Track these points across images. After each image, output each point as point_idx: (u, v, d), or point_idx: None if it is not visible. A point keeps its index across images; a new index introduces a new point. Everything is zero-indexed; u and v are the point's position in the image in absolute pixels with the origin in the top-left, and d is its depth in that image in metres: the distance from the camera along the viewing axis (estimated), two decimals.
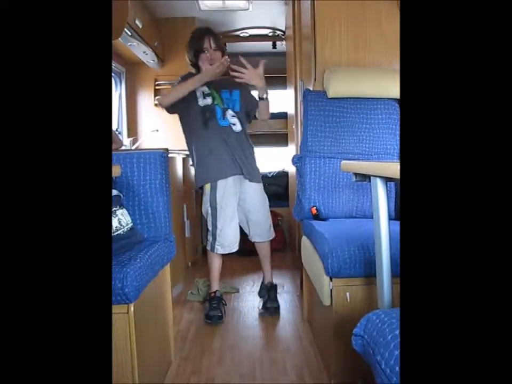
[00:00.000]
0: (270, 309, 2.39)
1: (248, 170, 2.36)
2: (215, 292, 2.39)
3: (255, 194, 2.42)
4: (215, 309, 2.29)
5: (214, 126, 2.30)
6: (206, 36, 2.32)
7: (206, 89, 2.33)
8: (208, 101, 2.32)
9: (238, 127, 2.35)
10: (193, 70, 2.44)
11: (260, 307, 2.48)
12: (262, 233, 2.49)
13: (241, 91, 2.40)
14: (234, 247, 2.41)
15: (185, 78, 2.34)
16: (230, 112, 2.34)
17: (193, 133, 2.36)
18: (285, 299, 2.61)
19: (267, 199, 2.51)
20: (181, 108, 2.33)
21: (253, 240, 2.50)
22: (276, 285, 2.48)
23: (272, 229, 2.52)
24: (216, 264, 2.43)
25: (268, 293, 2.44)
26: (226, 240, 2.36)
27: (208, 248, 2.41)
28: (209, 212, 2.34)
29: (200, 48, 2.30)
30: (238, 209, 2.40)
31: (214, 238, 2.36)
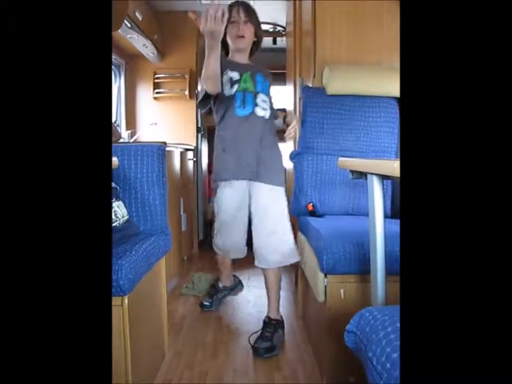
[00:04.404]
0: (257, 350, 1.85)
1: (261, 170, 1.97)
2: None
3: (263, 199, 1.97)
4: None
5: (231, 117, 1.95)
6: (235, 6, 1.96)
7: (235, 75, 1.95)
8: (233, 89, 1.94)
9: (267, 113, 2.00)
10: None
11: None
12: (262, 254, 1.94)
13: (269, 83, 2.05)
14: (234, 255, 2.18)
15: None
16: (261, 97, 1.98)
17: (216, 127, 2.05)
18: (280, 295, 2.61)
19: (282, 209, 1.97)
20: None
21: (255, 264, 2.01)
22: (276, 322, 2.00)
23: (292, 249, 1.95)
24: (220, 259, 2.34)
25: (263, 329, 1.96)
26: (223, 246, 2.15)
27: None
28: (215, 213, 2.11)
29: (228, 19, 1.71)
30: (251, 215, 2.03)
31: (214, 240, 2.17)
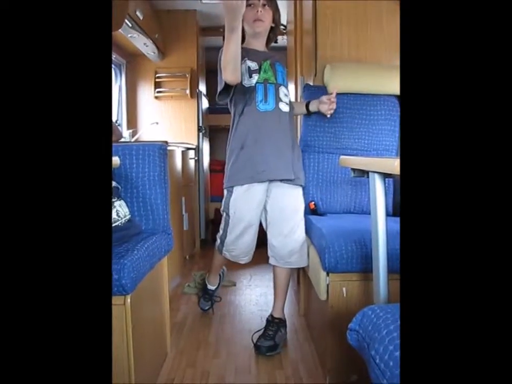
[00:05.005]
0: (260, 348, 1.84)
1: (285, 170, 1.86)
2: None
3: (286, 199, 1.91)
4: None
5: (251, 112, 1.82)
6: None
7: (253, 64, 1.83)
8: (253, 80, 1.82)
9: (289, 108, 1.89)
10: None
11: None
12: (280, 255, 1.91)
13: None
14: (244, 259, 2.00)
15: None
16: (283, 90, 1.88)
17: (233, 122, 1.90)
18: None
19: (301, 210, 1.93)
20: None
21: (269, 262, 1.97)
22: (279, 320, 1.95)
23: (303, 253, 1.89)
24: (219, 261, 2.18)
25: (266, 327, 1.93)
26: (235, 251, 1.98)
27: (216, 248, 2.07)
28: (223, 215, 1.96)
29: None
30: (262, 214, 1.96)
31: (222, 244, 1.99)
